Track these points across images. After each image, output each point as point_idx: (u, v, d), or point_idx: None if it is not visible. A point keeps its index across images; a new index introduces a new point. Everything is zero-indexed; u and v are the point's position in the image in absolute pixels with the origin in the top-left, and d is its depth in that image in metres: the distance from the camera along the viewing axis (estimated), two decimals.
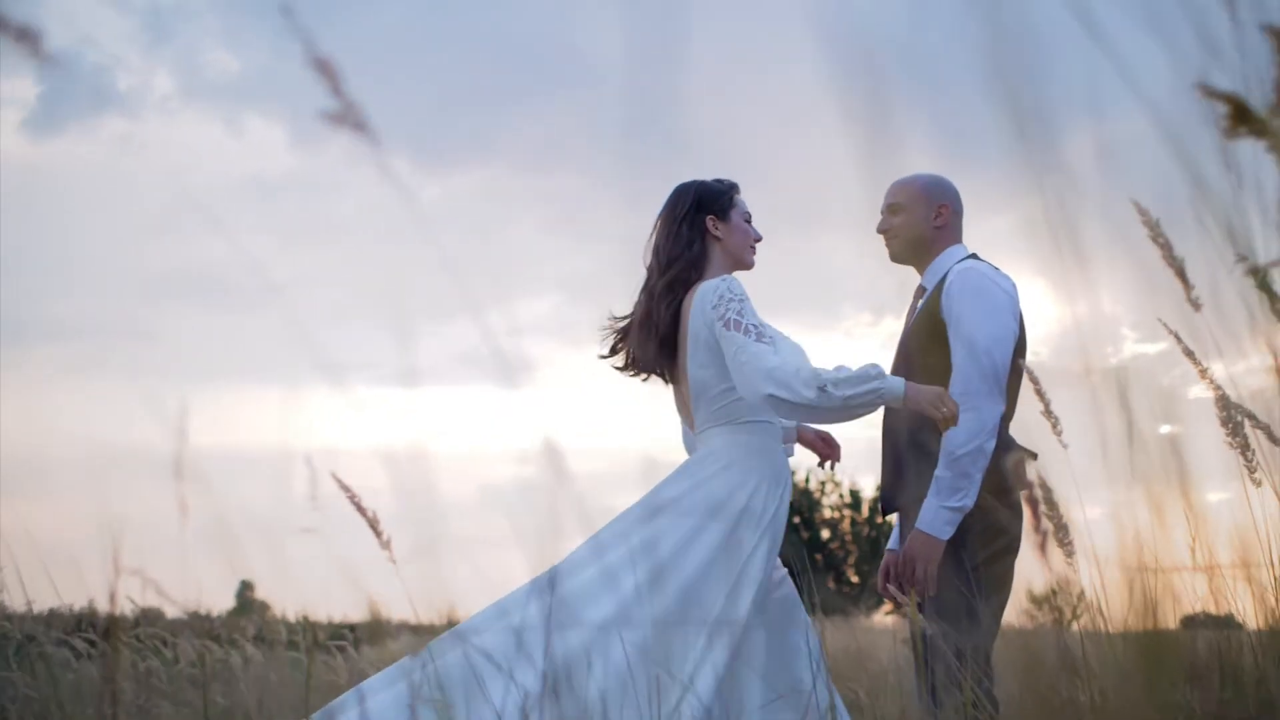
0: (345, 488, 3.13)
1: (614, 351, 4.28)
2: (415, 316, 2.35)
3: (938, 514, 3.93)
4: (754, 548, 3.83)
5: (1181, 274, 2.30)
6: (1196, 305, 2.30)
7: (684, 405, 4.20)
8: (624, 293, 4.22)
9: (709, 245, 4.17)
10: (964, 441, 3.89)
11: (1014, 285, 4.16)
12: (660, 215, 4.26)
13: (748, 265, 4.25)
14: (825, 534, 29.29)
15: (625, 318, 4.26)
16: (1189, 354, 2.67)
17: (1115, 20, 1.86)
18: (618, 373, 4.25)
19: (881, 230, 4.38)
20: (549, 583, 3.57)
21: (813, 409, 3.78)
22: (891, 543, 4.49)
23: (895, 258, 4.37)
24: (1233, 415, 2.54)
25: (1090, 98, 1.96)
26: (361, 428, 2.53)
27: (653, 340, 4.12)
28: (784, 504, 4.06)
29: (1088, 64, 1.91)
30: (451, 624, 3.45)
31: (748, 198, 4.30)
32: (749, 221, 4.29)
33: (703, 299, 3.97)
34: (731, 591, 3.72)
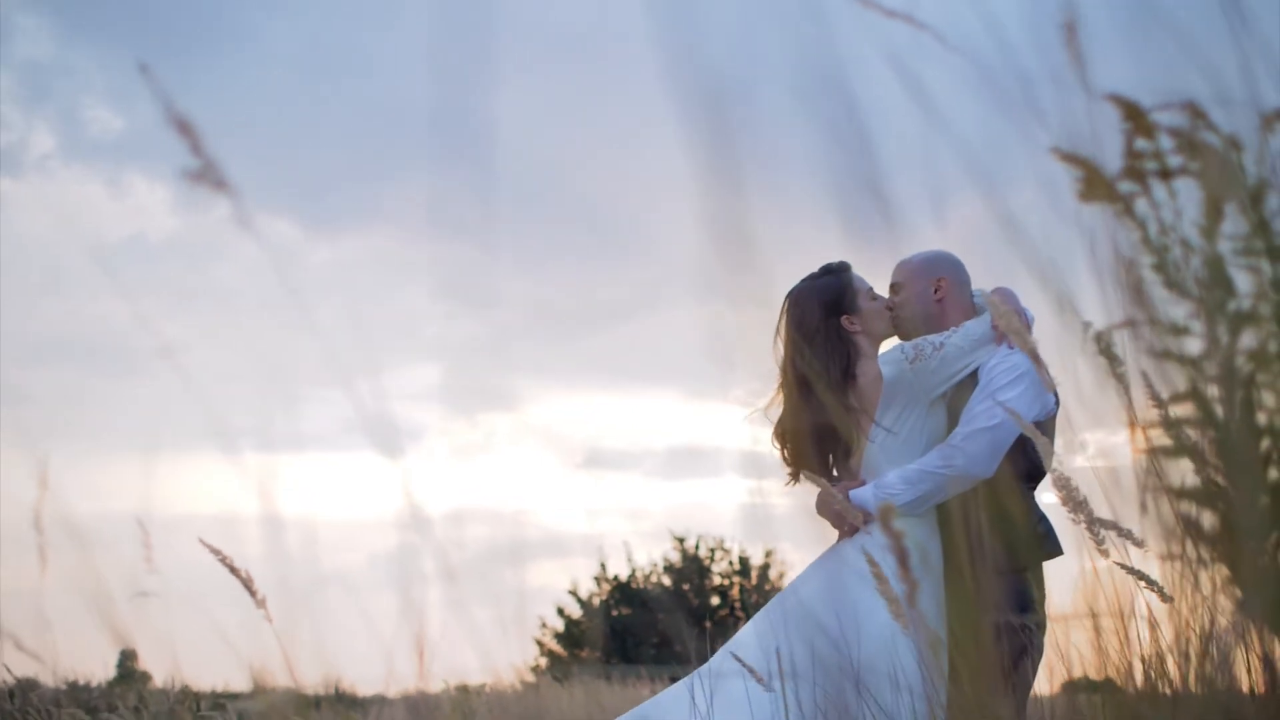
0: (215, 551, 3.09)
1: (795, 471, 4.34)
2: (300, 382, 2.34)
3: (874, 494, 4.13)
4: None
5: (1035, 356, 2.33)
6: (1051, 386, 2.33)
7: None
8: (513, 358, 4.22)
9: (855, 341, 4.23)
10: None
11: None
12: (786, 329, 4.29)
13: (889, 336, 4.35)
14: (715, 600, 29.34)
15: (784, 440, 4.32)
16: (1028, 427, 2.72)
17: (970, 95, 1.93)
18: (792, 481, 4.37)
19: (887, 309, 4.43)
20: None
21: None
22: None
23: (904, 336, 4.40)
24: (1073, 492, 2.58)
25: (943, 173, 2.03)
26: (246, 493, 2.51)
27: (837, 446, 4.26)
28: None
29: (938, 140, 1.97)
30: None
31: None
32: (873, 294, 4.35)
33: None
34: None
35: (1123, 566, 2.57)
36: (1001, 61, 1.85)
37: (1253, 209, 1.69)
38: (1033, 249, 1.96)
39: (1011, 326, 2.36)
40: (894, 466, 4.14)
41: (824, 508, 4.28)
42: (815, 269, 4.36)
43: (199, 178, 1.83)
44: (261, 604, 3.08)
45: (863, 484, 4.18)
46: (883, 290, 4.45)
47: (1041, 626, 3.96)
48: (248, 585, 3.09)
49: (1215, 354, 1.72)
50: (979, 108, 1.91)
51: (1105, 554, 2.58)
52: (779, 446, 4.33)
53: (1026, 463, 4.05)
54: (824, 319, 4.22)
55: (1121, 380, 1.94)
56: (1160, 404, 1.80)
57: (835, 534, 4.29)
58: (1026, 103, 1.85)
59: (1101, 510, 2.59)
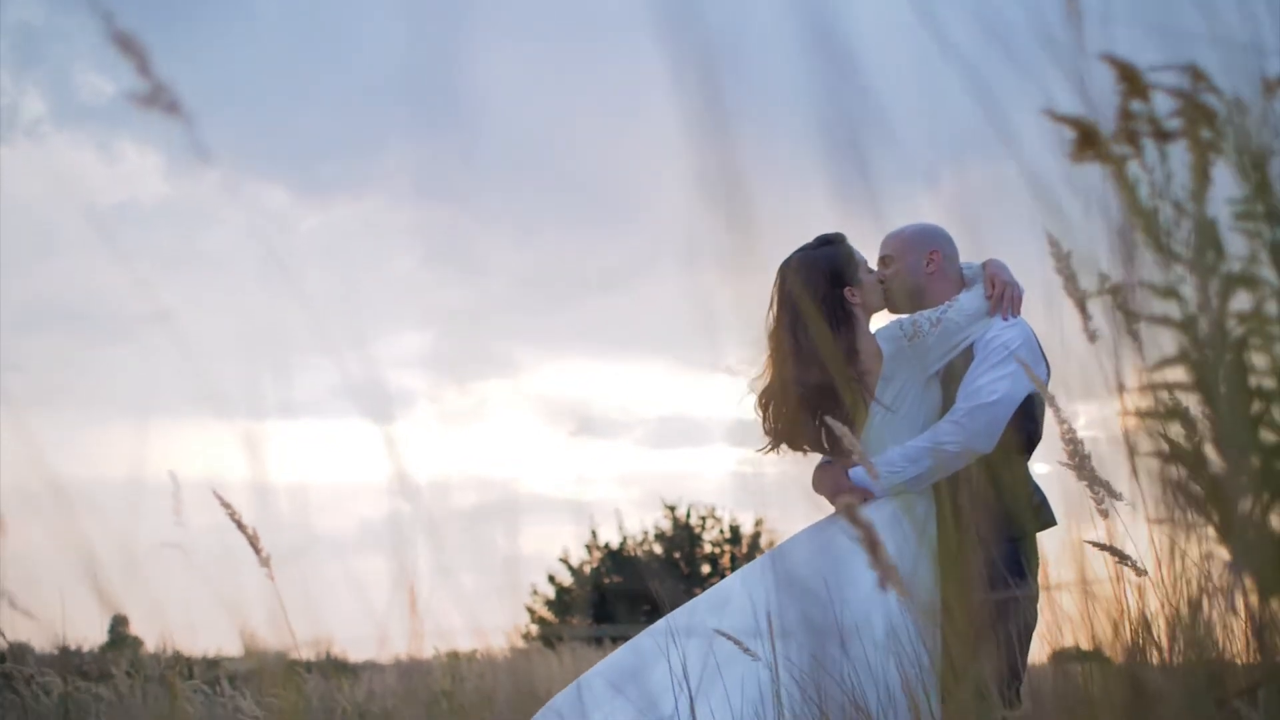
0: (226, 505, 3.09)
1: (777, 440, 4.26)
2: (291, 349, 2.34)
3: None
4: None
5: (1082, 305, 2.30)
6: (1093, 336, 2.31)
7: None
8: (504, 325, 4.22)
9: (854, 313, 4.17)
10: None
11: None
12: (783, 300, 4.19)
13: (880, 309, 4.29)
14: (705, 569, 29.45)
15: (769, 409, 4.23)
16: (1042, 387, 2.72)
17: (968, 51, 1.92)
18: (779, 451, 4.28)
19: (879, 281, 4.38)
20: None
21: None
22: None
23: (894, 308, 4.39)
24: (1078, 451, 2.58)
25: (941, 135, 2.02)
26: (237, 459, 2.51)
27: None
28: None
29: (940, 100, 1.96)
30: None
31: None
32: (868, 266, 4.28)
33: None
34: None
35: (1094, 544, 2.58)
36: (996, 20, 1.85)
37: (1254, 172, 1.69)
38: (1040, 206, 1.95)
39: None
40: (893, 443, 4.11)
41: (820, 485, 4.25)
42: (808, 239, 4.30)
43: (148, 101, 1.71)
44: (266, 562, 3.08)
45: None
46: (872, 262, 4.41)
47: (1036, 596, 3.96)
48: (253, 543, 3.08)
49: (1206, 317, 1.72)
50: (975, 67, 1.90)
51: (1105, 514, 2.59)
52: (760, 413, 4.28)
53: (1021, 434, 4.06)
54: (828, 290, 4.14)
55: (1136, 338, 1.93)
56: (1155, 366, 1.80)
57: (828, 506, 4.26)
58: (1022, 62, 1.84)
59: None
